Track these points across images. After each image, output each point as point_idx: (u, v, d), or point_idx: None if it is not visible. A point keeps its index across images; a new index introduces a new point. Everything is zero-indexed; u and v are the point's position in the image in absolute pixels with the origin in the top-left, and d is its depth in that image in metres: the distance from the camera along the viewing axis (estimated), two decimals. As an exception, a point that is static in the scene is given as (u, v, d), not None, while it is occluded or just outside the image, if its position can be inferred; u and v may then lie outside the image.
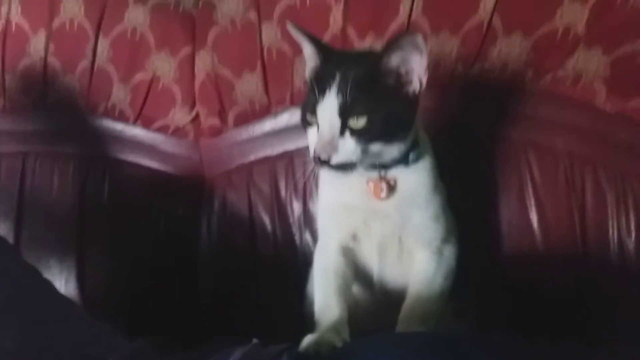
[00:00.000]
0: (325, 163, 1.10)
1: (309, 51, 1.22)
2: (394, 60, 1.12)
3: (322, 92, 1.11)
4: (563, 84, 1.51)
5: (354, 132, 1.10)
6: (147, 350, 1.13)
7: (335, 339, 1.09)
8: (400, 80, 1.14)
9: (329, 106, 1.10)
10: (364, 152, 1.12)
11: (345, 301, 1.24)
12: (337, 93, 1.09)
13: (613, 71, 1.45)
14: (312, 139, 1.15)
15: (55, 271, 1.80)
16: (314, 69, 1.21)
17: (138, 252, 1.83)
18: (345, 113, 1.09)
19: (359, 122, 1.09)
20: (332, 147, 1.10)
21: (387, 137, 1.13)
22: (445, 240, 1.27)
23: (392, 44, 1.11)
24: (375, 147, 1.12)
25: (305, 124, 1.18)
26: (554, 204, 1.51)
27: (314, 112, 1.12)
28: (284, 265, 1.74)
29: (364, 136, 1.10)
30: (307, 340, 1.09)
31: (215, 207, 1.85)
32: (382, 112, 1.11)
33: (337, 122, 1.10)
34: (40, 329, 1.09)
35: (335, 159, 1.10)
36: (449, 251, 1.29)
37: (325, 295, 1.25)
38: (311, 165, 1.18)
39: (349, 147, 1.11)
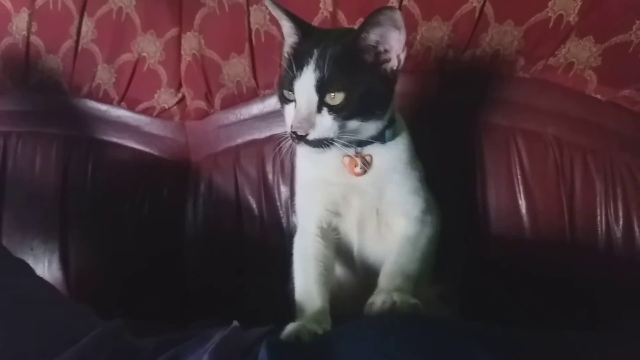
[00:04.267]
0: (302, 138, 1.08)
1: (287, 28, 1.19)
2: (372, 36, 1.09)
3: (300, 68, 1.08)
4: (554, 72, 1.49)
5: (332, 109, 1.07)
6: (121, 331, 1.07)
7: (316, 328, 1.05)
8: (378, 57, 1.12)
9: (306, 82, 1.07)
10: (341, 128, 1.09)
11: (327, 289, 1.20)
12: (315, 69, 1.07)
13: (604, 60, 1.43)
14: (289, 115, 1.12)
15: (39, 252, 1.74)
16: (292, 45, 1.17)
17: (122, 235, 1.77)
18: (322, 89, 1.07)
19: (336, 99, 1.07)
20: (309, 123, 1.08)
21: (364, 113, 1.10)
22: (425, 211, 1.23)
23: (370, 20, 1.07)
24: (353, 123, 1.10)
25: (282, 100, 1.16)
26: (542, 190, 1.49)
27: (291, 88, 1.10)
28: (271, 248, 1.68)
29: (341, 113, 1.08)
30: (289, 328, 1.04)
31: (201, 189, 1.79)
32: (360, 89, 1.08)
33: (314, 98, 1.07)
34: (8, 311, 1.04)
35: (312, 135, 1.08)
36: (430, 220, 1.24)
37: (306, 284, 1.21)
38: (288, 142, 1.14)
39: (326, 123, 1.08)
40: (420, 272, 1.19)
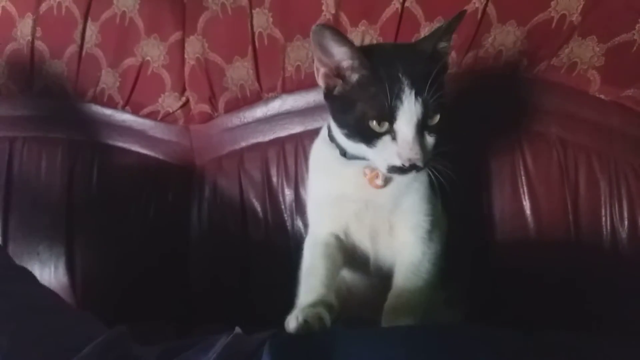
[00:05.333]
0: (418, 168, 1.03)
1: (345, 58, 1.06)
2: (443, 44, 1.08)
3: (398, 97, 1.00)
4: (557, 73, 1.48)
5: (431, 129, 1.03)
6: (124, 338, 1.05)
7: (321, 312, 1.03)
8: (446, 66, 1.09)
9: (410, 111, 1.00)
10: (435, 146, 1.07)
11: (332, 284, 1.17)
12: (416, 96, 1.00)
13: (607, 60, 1.42)
14: (386, 148, 1.04)
15: (45, 256, 1.72)
16: (358, 79, 1.06)
17: (128, 238, 1.75)
18: (426, 114, 1.02)
19: (435, 119, 1.03)
20: (422, 149, 1.02)
21: (445, 124, 1.06)
22: (434, 224, 1.21)
23: (451, 28, 1.07)
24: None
25: (369, 138, 1.05)
26: (547, 191, 1.48)
27: (387, 120, 1.02)
28: (276, 251, 1.67)
29: (437, 130, 1.04)
30: (293, 318, 1.02)
31: (206, 193, 1.78)
32: (445, 102, 1.04)
33: (420, 124, 1.02)
34: (12, 320, 1.03)
35: (425, 161, 1.03)
36: (438, 235, 1.22)
37: (309, 274, 1.19)
38: (386, 174, 1.09)
39: (430, 144, 1.04)
40: (425, 300, 1.17)
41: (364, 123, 1.04)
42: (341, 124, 1.10)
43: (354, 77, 1.05)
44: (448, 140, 1.07)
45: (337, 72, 1.07)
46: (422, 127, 1.02)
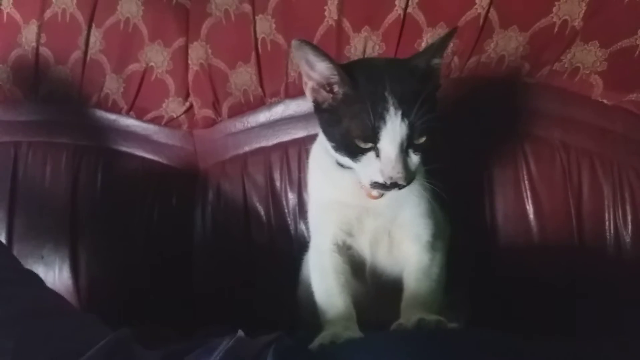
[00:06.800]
0: (400, 186, 1.02)
1: (328, 74, 1.05)
2: (436, 60, 1.06)
3: (381, 117, 0.98)
4: (560, 78, 1.47)
5: (417, 148, 1.01)
6: (128, 341, 1.04)
7: (351, 333, 1.05)
8: (437, 82, 1.09)
9: (394, 131, 0.98)
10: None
11: (350, 299, 1.17)
12: (402, 116, 0.98)
13: (610, 65, 1.41)
14: (369, 165, 1.03)
15: (49, 260, 1.72)
16: (342, 95, 1.05)
17: (132, 242, 1.75)
18: (412, 133, 0.99)
19: (421, 138, 1.01)
20: (405, 168, 1.00)
21: (433, 142, 1.04)
22: (436, 235, 1.20)
23: (444, 44, 1.06)
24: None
25: (351, 152, 1.05)
26: (550, 195, 1.47)
27: (369, 140, 1.00)
28: (279, 254, 1.67)
29: (423, 149, 1.02)
30: (323, 335, 1.05)
31: (210, 197, 1.77)
32: (434, 120, 1.00)
33: (404, 143, 1.00)
34: (18, 322, 1.02)
35: (409, 179, 1.02)
36: (441, 245, 1.22)
37: (329, 295, 1.19)
38: (372, 190, 1.08)
39: (415, 163, 1.03)
40: (439, 299, 1.17)
41: (348, 139, 1.02)
42: (329, 137, 1.09)
43: (340, 92, 1.04)
44: (439, 157, 1.08)
45: (325, 86, 1.06)
46: (407, 146, 1.00)
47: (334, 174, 1.16)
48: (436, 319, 1.03)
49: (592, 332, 1.29)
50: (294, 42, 1.02)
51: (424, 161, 1.06)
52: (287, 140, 1.70)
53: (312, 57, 1.03)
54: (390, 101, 0.98)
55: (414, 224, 1.19)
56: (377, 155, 1.01)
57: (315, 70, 1.05)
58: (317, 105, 1.09)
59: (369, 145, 1.01)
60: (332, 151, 1.10)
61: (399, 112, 0.98)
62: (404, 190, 1.07)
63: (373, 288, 1.28)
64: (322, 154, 1.20)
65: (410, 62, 1.06)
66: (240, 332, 1.04)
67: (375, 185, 1.03)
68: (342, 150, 1.06)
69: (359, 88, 1.02)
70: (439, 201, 1.21)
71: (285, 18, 1.63)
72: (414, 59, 1.07)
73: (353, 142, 1.02)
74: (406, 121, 0.98)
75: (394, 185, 1.01)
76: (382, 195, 1.13)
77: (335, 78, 1.04)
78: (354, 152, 1.03)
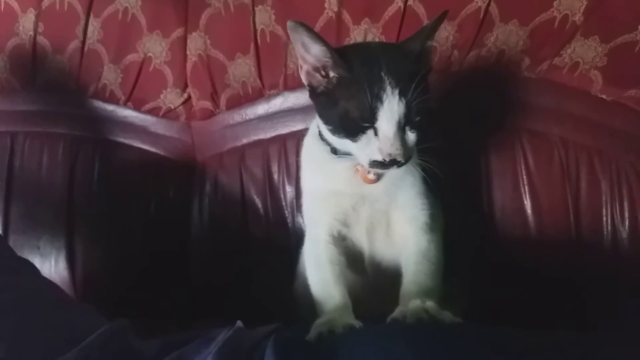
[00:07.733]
0: (399, 163, 1.02)
1: (318, 53, 1.06)
2: (430, 42, 1.09)
3: (378, 97, 1.00)
4: (559, 72, 1.46)
5: (413, 125, 1.02)
6: (125, 331, 1.04)
7: (348, 321, 1.05)
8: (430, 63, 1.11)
9: (392, 109, 1.00)
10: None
11: (345, 289, 1.17)
12: (399, 95, 0.99)
13: (610, 60, 1.40)
14: (368, 144, 1.03)
15: (46, 251, 1.72)
16: (337, 78, 1.06)
17: (129, 234, 1.74)
18: (409, 112, 1.00)
19: (417, 117, 1.02)
20: (403, 145, 1.01)
21: (428, 121, 1.05)
22: (433, 216, 1.20)
23: (436, 26, 1.08)
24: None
25: (353, 133, 1.05)
26: (548, 190, 1.46)
27: (367, 120, 1.01)
28: (276, 247, 1.66)
29: (419, 126, 1.03)
30: (318, 323, 1.05)
31: (207, 189, 1.76)
32: (428, 98, 1.03)
33: (402, 122, 1.01)
34: (14, 311, 1.02)
35: (407, 156, 1.02)
36: (436, 228, 1.21)
37: (324, 286, 1.19)
38: (371, 169, 1.08)
39: (412, 140, 1.03)
40: (438, 286, 1.16)
41: (346, 120, 1.03)
42: (326, 121, 1.09)
43: (334, 75, 1.05)
44: (435, 135, 1.07)
45: (319, 70, 1.06)
46: (404, 124, 1.01)
47: (328, 164, 1.16)
48: (435, 306, 1.02)
49: (592, 324, 1.30)
50: (289, 23, 1.03)
51: (418, 141, 1.06)
52: (286, 133, 1.69)
53: (307, 39, 1.04)
54: (387, 81, 1.00)
55: (410, 205, 1.19)
56: (375, 134, 1.02)
57: (310, 53, 1.06)
58: (313, 89, 1.09)
59: (367, 124, 1.01)
60: (329, 135, 1.11)
61: (396, 92, 0.99)
62: (399, 171, 1.10)
63: (373, 278, 1.27)
64: (315, 145, 1.20)
65: (405, 45, 1.09)
66: (239, 323, 1.04)
67: (374, 164, 1.03)
68: (341, 131, 1.06)
69: (353, 70, 1.03)
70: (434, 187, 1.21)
71: (284, 9, 1.62)
72: (408, 41, 1.09)
73: (351, 122, 1.03)
74: (404, 100, 0.99)
75: (393, 162, 1.02)
76: (378, 178, 1.14)
77: (329, 61, 1.04)
78: (353, 132, 1.04)
